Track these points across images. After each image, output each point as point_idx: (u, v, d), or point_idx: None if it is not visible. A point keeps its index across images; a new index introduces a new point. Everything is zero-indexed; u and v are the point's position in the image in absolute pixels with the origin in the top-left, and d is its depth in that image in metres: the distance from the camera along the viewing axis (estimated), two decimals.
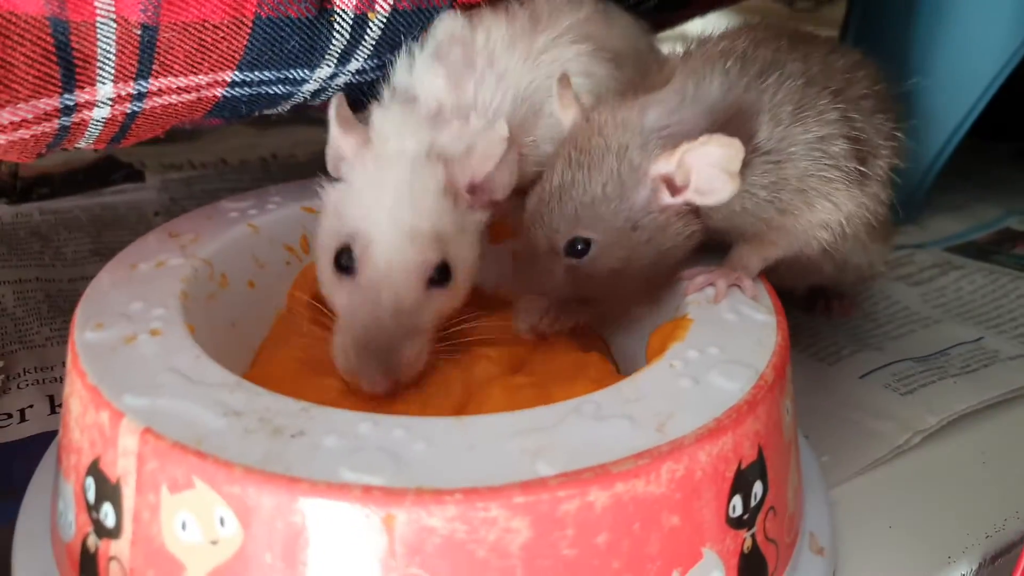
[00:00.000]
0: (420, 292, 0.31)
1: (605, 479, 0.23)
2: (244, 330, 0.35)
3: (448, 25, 0.35)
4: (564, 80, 0.33)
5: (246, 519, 0.22)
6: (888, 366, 0.42)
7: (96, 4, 0.28)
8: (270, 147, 0.62)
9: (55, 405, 0.38)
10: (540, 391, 0.32)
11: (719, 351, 0.28)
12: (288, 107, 0.38)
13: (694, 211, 0.31)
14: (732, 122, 0.30)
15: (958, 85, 0.52)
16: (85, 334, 0.28)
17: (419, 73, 0.35)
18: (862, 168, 0.32)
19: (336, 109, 0.34)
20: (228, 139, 0.62)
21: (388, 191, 0.32)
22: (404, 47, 0.36)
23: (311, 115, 0.41)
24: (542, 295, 0.32)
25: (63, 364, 0.40)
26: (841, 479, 0.35)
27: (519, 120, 0.35)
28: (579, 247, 0.31)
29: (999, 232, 0.57)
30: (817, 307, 0.46)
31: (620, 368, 0.35)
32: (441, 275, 0.32)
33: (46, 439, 0.35)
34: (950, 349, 0.44)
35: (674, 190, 0.30)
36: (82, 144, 0.34)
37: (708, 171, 0.29)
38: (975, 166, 0.59)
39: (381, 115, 0.35)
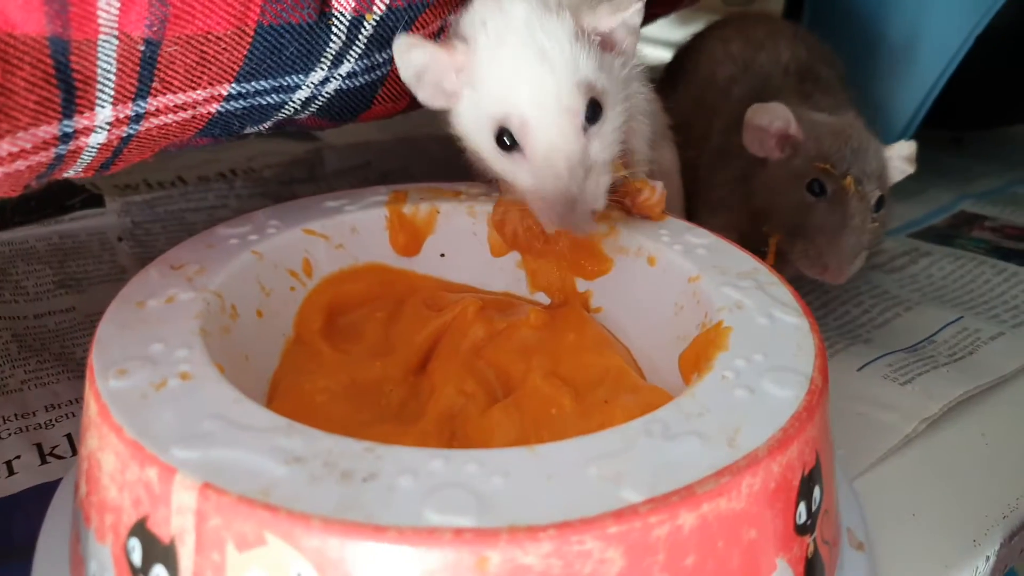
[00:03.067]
0: (583, 143, 0.32)
1: (692, 500, 0.22)
2: (256, 363, 0.33)
3: None
4: None
5: (327, 573, 0.21)
6: (882, 357, 0.43)
7: (100, 21, 0.26)
8: (227, 162, 0.59)
9: (45, 454, 0.35)
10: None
11: (763, 358, 0.28)
12: (276, 120, 0.37)
13: None
14: None
15: (918, 66, 0.53)
16: (109, 383, 0.26)
17: None
18: None
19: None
20: (183, 156, 0.59)
21: (524, 63, 0.32)
22: None
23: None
24: None
25: (46, 408, 0.38)
26: (859, 471, 0.36)
27: None
28: None
29: (955, 216, 0.59)
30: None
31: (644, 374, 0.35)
32: (593, 113, 0.33)
33: (43, 492, 0.33)
34: (935, 335, 0.45)
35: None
36: (70, 173, 0.31)
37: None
38: (921, 152, 0.61)
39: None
